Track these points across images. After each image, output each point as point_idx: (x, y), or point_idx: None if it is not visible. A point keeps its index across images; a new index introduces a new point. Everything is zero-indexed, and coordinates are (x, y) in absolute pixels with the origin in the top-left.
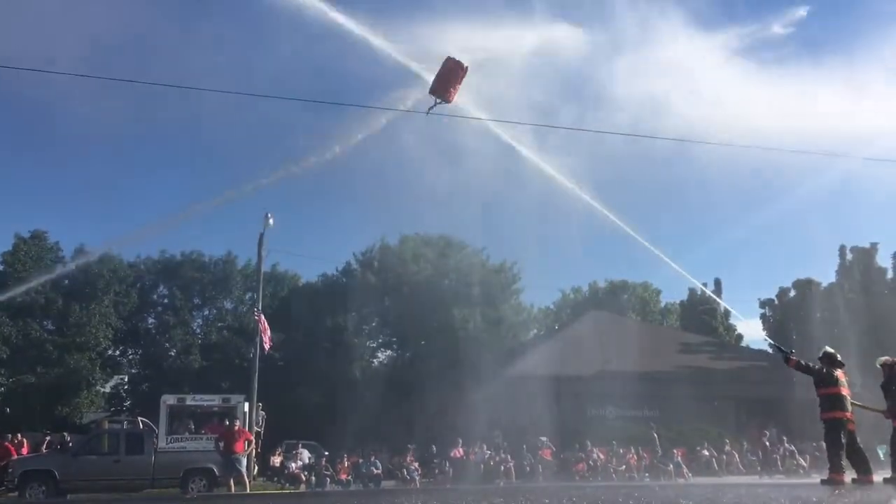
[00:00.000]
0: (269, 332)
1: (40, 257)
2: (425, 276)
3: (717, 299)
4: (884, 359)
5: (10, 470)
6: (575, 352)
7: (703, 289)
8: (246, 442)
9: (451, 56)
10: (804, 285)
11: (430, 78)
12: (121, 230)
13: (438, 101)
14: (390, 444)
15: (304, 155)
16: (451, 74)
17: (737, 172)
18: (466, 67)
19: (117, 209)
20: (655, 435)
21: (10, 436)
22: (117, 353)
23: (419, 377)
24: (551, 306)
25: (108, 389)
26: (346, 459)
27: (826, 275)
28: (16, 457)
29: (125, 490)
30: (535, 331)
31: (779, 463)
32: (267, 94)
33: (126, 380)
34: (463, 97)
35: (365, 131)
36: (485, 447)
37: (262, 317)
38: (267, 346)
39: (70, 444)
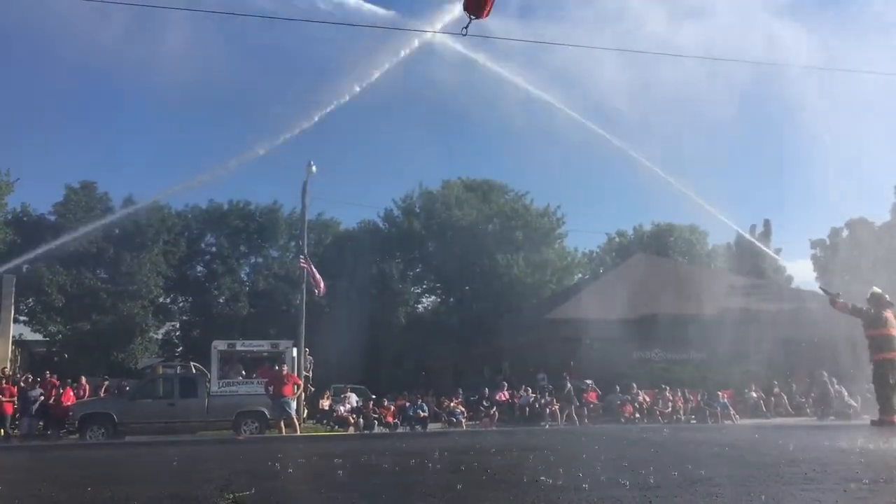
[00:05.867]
0: (317, 276)
1: (91, 207)
2: (469, 221)
3: (756, 243)
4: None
5: (71, 413)
6: (620, 295)
7: (743, 233)
8: (294, 386)
9: None
10: (857, 225)
11: None
12: (168, 180)
13: (472, 17)
14: (436, 387)
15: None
16: None
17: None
18: None
19: (164, 159)
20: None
21: (70, 381)
22: (168, 300)
23: (464, 322)
24: (596, 250)
25: (160, 336)
26: (392, 402)
27: (880, 214)
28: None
29: (180, 432)
30: (580, 275)
31: (829, 405)
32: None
33: (177, 326)
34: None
35: (398, 54)
36: (529, 390)
37: (310, 263)
38: (322, 290)
39: (127, 389)
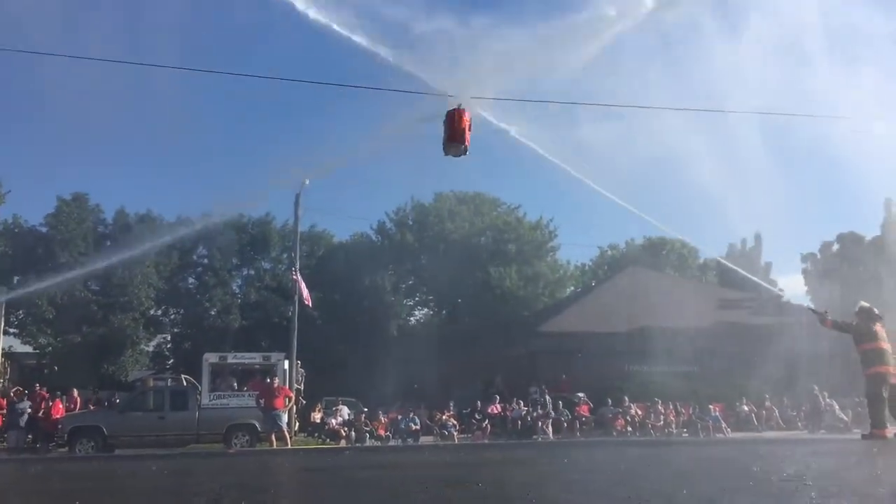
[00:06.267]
0: (305, 289)
1: (82, 219)
2: (461, 233)
3: (733, 266)
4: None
5: (60, 426)
6: (612, 308)
7: (723, 260)
8: (286, 398)
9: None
10: (848, 239)
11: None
12: (164, 187)
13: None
14: (428, 400)
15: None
16: (452, 125)
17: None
18: (464, 129)
19: (158, 171)
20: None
21: (59, 393)
22: (159, 312)
23: (456, 334)
24: (589, 263)
25: (151, 348)
26: (384, 416)
27: (871, 228)
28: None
29: (171, 445)
30: (572, 288)
31: (820, 418)
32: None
33: (169, 339)
34: None
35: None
36: (522, 403)
37: (300, 276)
38: (308, 302)
39: (117, 402)
